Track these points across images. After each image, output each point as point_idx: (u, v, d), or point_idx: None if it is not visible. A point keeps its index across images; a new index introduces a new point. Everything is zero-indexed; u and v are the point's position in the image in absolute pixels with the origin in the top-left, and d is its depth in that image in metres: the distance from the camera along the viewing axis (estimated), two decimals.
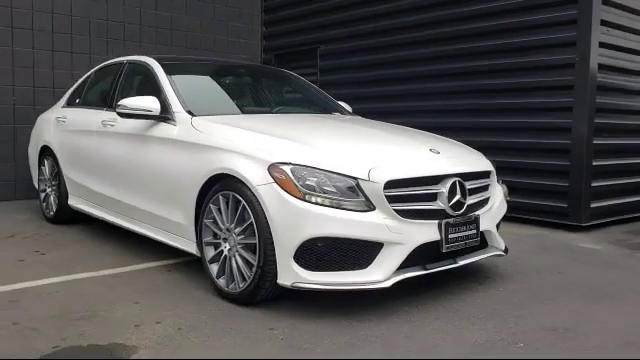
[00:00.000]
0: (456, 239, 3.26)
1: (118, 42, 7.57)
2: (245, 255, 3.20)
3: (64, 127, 5.26)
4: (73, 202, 5.17)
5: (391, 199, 3.05)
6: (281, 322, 3.01)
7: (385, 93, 6.94)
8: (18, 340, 2.76)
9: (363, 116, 4.89)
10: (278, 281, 3.05)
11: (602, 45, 5.38)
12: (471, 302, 3.37)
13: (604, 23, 5.39)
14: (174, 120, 3.87)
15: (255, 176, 3.12)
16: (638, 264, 4.34)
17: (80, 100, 5.35)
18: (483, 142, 5.19)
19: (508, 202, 3.97)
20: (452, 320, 3.07)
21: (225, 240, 3.35)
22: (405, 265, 3.10)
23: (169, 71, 4.28)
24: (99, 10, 7.40)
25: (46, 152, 5.56)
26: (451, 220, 3.24)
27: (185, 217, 3.63)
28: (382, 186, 3.02)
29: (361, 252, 3.01)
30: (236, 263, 3.26)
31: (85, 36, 7.30)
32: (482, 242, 3.54)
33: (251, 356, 2.61)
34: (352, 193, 3.04)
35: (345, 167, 3.07)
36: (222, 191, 3.33)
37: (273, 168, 3.09)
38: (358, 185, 3.03)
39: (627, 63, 5.81)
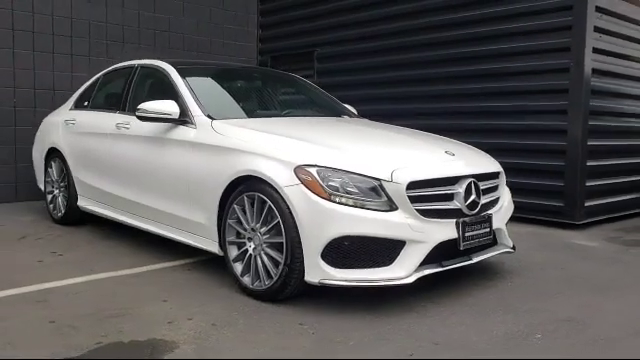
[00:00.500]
0: (472, 237, 3.44)
1: (117, 44, 7.62)
2: (271, 253, 3.33)
3: (74, 130, 5.33)
4: (83, 203, 5.24)
5: (413, 199, 3.21)
6: (309, 317, 3.14)
7: (383, 95, 7.10)
8: (59, 337, 2.85)
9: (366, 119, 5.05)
10: (305, 278, 3.19)
11: (595, 51, 5.62)
12: (484, 297, 3.54)
13: (597, 29, 5.63)
14: (192, 123, 3.98)
15: (281, 178, 3.25)
16: (634, 260, 4.56)
17: (89, 103, 5.42)
18: (482, 144, 5.35)
19: None
20: (469, 314, 3.24)
21: (250, 239, 3.47)
22: (424, 262, 3.26)
23: (184, 75, 4.39)
24: (98, 12, 7.44)
25: (53, 154, 5.61)
26: (467, 219, 3.41)
27: (207, 217, 3.74)
28: (405, 187, 3.18)
29: (385, 250, 3.16)
30: (261, 261, 3.39)
31: (85, 38, 7.34)
32: (493, 240, 3.72)
33: (289, 350, 2.74)
34: (375, 194, 3.19)
35: (369, 169, 3.22)
36: (247, 192, 3.45)
37: (299, 170, 3.22)
38: (381, 186, 3.18)
39: (618, 68, 6.06)
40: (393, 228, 3.14)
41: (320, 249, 3.11)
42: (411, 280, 3.17)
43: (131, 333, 2.91)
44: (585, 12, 5.48)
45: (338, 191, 3.16)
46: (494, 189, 3.78)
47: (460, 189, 3.42)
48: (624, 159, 6.31)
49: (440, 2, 6.56)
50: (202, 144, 3.83)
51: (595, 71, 5.64)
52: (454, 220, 3.35)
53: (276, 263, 3.31)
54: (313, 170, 3.20)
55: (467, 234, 3.40)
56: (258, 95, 4.95)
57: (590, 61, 5.55)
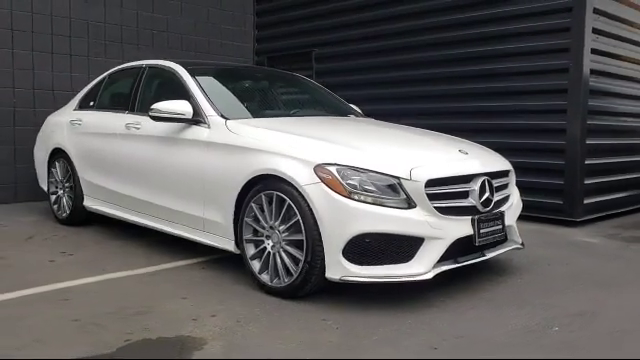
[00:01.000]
0: (486, 234, 3.52)
1: (116, 44, 7.61)
2: (290, 251, 3.38)
3: (80, 130, 5.32)
4: (89, 203, 5.24)
5: (430, 197, 3.28)
6: (331, 313, 3.20)
7: (384, 95, 7.17)
8: (86, 335, 2.88)
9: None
10: (326, 275, 3.24)
11: (593, 52, 5.74)
12: (498, 292, 3.63)
13: (595, 31, 5.75)
14: (206, 123, 4.01)
15: (301, 176, 3.30)
16: (635, 255, 4.68)
17: (95, 103, 5.42)
18: (483, 143, 5.43)
19: None
20: (486, 308, 3.32)
21: (268, 237, 3.52)
22: (440, 259, 3.33)
23: (195, 75, 4.42)
24: (97, 12, 7.42)
25: (58, 154, 5.60)
26: (482, 216, 3.49)
27: (223, 216, 3.78)
28: (423, 185, 3.25)
29: (404, 247, 3.22)
30: (281, 259, 3.44)
31: (83, 38, 7.32)
32: (504, 236, 3.80)
33: (317, 344, 2.79)
34: (393, 192, 3.25)
35: (388, 167, 3.28)
36: (265, 191, 3.50)
37: (319, 169, 3.27)
38: (400, 184, 3.25)
39: (615, 68, 6.21)
40: (413, 225, 3.21)
41: (342, 246, 3.17)
42: (430, 276, 3.24)
43: (157, 330, 2.94)
44: (584, 14, 5.60)
45: (357, 189, 3.22)
46: (505, 187, 3.87)
47: (475, 187, 3.50)
48: (621, 157, 6.47)
49: (441, 4, 6.65)
50: (217, 144, 3.86)
51: (593, 72, 5.77)
52: (470, 217, 3.43)
53: (295, 260, 3.36)
54: (333, 169, 3.25)
55: (482, 231, 3.48)
56: (266, 95, 5.00)
57: (589, 62, 5.67)
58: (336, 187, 3.22)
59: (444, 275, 3.41)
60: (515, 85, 6.08)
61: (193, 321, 3.07)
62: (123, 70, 5.34)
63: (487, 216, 3.53)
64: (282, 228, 3.43)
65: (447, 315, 3.20)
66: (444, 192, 3.37)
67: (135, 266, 4.16)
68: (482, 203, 3.51)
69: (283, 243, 3.43)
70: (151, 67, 4.90)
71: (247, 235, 3.64)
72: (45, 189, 5.91)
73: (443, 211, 3.32)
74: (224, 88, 4.66)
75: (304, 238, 3.28)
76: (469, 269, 3.96)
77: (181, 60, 4.83)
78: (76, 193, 5.34)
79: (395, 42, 7.10)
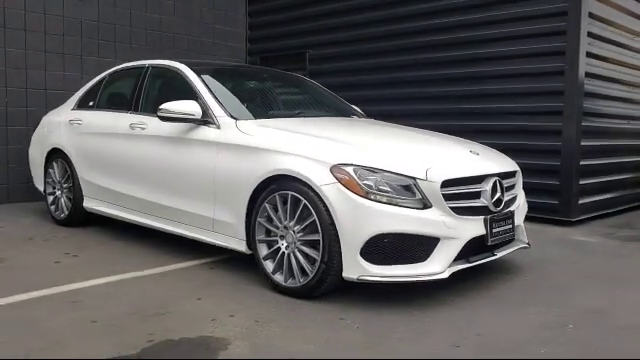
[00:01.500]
0: (498, 233, 3.58)
1: (109, 44, 7.54)
2: (306, 250, 3.40)
3: (80, 130, 5.26)
4: (89, 204, 5.19)
5: (446, 197, 3.32)
6: (348, 312, 3.22)
7: (377, 97, 7.21)
8: (107, 336, 2.86)
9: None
10: (344, 275, 3.26)
11: (588, 55, 5.86)
12: (508, 290, 3.69)
13: (590, 35, 5.87)
14: (214, 124, 4.00)
15: (318, 177, 3.32)
16: (634, 253, 4.80)
17: (95, 103, 5.36)
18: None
19: None
20: (500, 307, 3.37)
21: (282, 237, 3.53)
22: (454, 258, 3.38)
23: (200, 75, 4.40)
24: (90, 11, 7.35)
25: (55, 155, 5.53)
26: (494, 216, 3.55)
27: (235, 216, 3.78)
28: (439, 185, 3.29)
29: (420, 246, 3.26)
30: (295, 259, 3.45)
31: (77, 37, 7.24)
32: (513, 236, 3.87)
33: (342, 343, 2.81)
34: (409, 192, 3.29)
35: (404, 168, 3.32)
36: (280, 191, 3.51)
37: (335, 169, 3.30)
38: (416, 184, 3.28)
39: (610, 72, 6.34)
40: (429, 225, 3.25)
41: (359, 246, 3.20)
42: (446, 275, 3.28)
43: (178, 331, 2.93)
44: (579, 18, 5.71)
45: (373, 189, 3.25)
46: (512, 187, 3.94)
47: (487, 187, 3.55)
48: (614, 158, 6.62)
49: (436, 6, 6.72)
50: (228, 144, 3.86)
51: (588, 74, 5.89)
52: (482, 217, 3.49)
53: (311, 260, 3.37)
54: (350, 169, 3.28)
55: (494, 230, 3.54)
56: (270, 95, 5.00)
57: (584, 65, 5.79)
58: (353, 187, 3.24)
59: (451, 274, 3.45)
60: (512, 87, 6.17)
61: (212, 321, 3.07)
62: (124, 70, 5.30)
63: (498, 216, 3.59)
64: (297, 228, 3.44)
65: (462, 313, 3.25)
66: (459, 192, 3.42)
67: (143, 267, 4.13)
68: (494, 203, 3.57)
69: (298, 243, 3.44)
70: (154, 67, 4.87)
71: (260, 236, 3.65)
72: (41, 190, 5.83)
73: (458, 211, 3.36)
74: (229, 88, 4.65)
75: (320, 238, 3.30)
76: (474, 268, 4.02)
77: (185, 60, 4.82)
78: (75, 194, 5.28)
79: (391, 44, 7.16)
